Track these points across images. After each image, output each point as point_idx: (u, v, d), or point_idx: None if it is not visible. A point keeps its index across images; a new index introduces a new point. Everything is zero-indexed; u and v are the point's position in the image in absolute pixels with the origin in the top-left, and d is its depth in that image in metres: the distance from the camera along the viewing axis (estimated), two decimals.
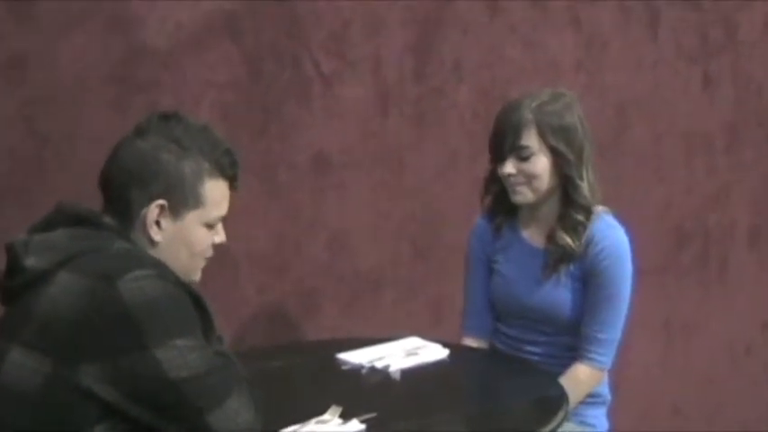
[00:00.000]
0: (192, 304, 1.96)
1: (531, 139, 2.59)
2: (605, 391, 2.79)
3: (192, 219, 2.02)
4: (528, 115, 2.60)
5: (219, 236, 2.08)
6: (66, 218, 2.01)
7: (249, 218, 2.99)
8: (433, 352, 2.58)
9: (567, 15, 3.58)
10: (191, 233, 2.03)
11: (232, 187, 2.08)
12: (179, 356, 1.88)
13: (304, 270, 3.19)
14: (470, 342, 2.76)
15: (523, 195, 2.62)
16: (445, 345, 2.61)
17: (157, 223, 2.00)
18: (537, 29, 3.52)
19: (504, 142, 2.61)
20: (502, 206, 2.70)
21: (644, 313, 3.82)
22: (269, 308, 3.16)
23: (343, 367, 2.52)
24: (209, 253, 2.08)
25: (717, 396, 4.19)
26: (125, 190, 2.00)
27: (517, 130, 2.59)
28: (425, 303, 3.30)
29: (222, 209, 2.07)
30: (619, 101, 3.75)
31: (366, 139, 3.25)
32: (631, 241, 2.74)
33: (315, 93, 3.15)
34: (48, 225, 2.00)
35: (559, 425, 2.26)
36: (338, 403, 2.18)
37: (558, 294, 2.65)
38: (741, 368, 4.27)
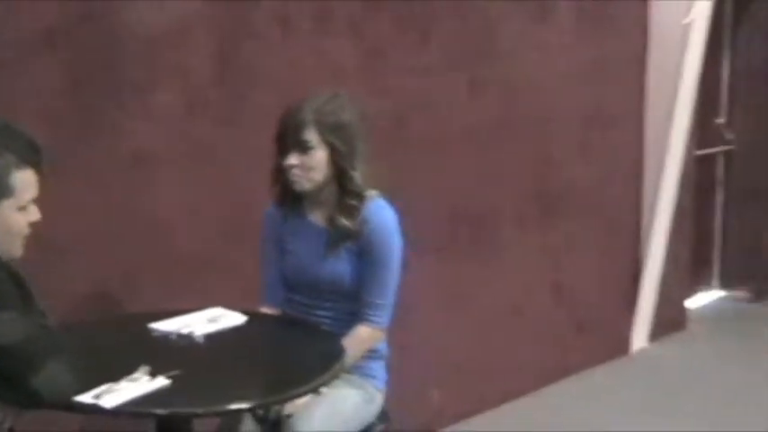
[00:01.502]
0: (10, 281, 2.10)
1: (311, 135, 2.80)
2: (383, 347, 3.02)
3: (6, 206, 2.15)
4: (309, 115, 2.81)
5: (34, 215, 2.20)
6: None
7: (76, 212, 3.06)
8: (233, 319, 2.78)
9: (349, 26, 3.76)
10: (7, 218, 2.15)
11: (38, 172, 2.19)
12: (1, 327, 2.02)
13: (127, 257, 3.27)
14: (266, 310, 2.97)
15: (301, 185, 2.84)
16: (245, 312, 2.81)
17: None
18: (323, 39, 3.69)
19: (287, 138, 2.81)
20: (289, 194, 2.90)
21: (428, 285, 4.06)
22: (95, 293, 3.23)
23: (154, 335, 2.68)
24: (26, 231, 2.20)
25: (491, 353, 4.45)
26: None
27: (299, 128, 2.80)
28: (236, 280, 3.38)
29: (32, 193, 2.19)
30: (398, 101, 3.95)
31: (177, 138, 3.36)
32: (409, 222, 2.94)
33: (129, 98, 3.23)
34: None
35: (336, 374, 2.51)
36: (148, 365, 2.33)
37: (340, 267, 2.87)
38: (511, 328, 4.57)
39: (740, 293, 6.19)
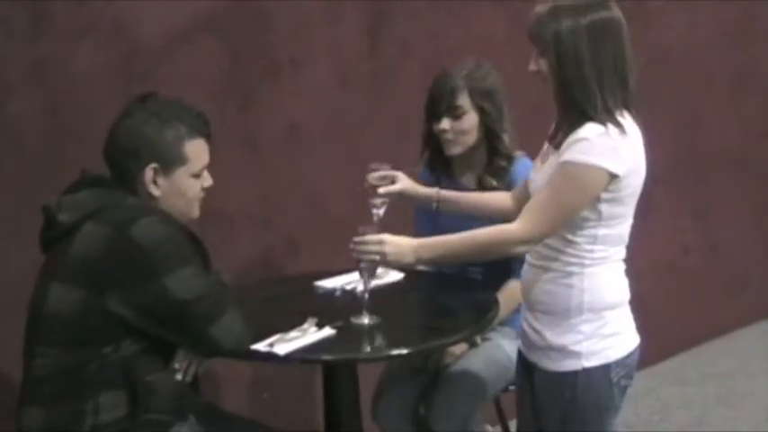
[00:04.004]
0: (191, 241, 2.27)
1: (463, 100, 2.88)
2: None
3: (181, 173, 2.32)
4: (460, 82, 2.88)
5: (207, 181, 2.38)
6: (88, 182, 2.33)
7: (239, 182, 3.21)
8: (392, 275, 2.87)
9: None
10: (182, 185, 2.33)
11: (208, 141, 2.36)
12: (183, 282, 2.19)
13: (287, 222, 3.41)
14: (423, 268, 3.02)
15: (453, 148, 2.92)
16: (402, 270, 2.89)
17: (154, 182, 2.29)
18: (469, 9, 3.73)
19: (440, 104, 2.89)
20: (439, 158, 2.99)
21: None
22: (259, 255, 3.38)
23: (320, 291, 2.81)
24: (201, 195, 2.37)
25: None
26: (123, 162, 2.30)
27: (452, 94, 2.88)
28: None
29: (204, 160, 2.35)
30: None
31: (330, 111, 3.47)
32: None
33: (286, 75, 3.36)
34: (74, 188, 2.32)
35: (489, 324, 2.59)
36: (315, 317, 2.46)
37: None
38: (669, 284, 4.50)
39: None
